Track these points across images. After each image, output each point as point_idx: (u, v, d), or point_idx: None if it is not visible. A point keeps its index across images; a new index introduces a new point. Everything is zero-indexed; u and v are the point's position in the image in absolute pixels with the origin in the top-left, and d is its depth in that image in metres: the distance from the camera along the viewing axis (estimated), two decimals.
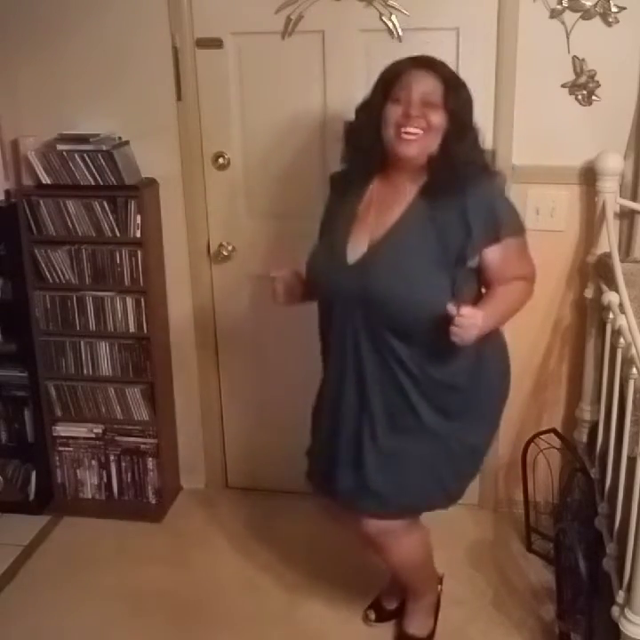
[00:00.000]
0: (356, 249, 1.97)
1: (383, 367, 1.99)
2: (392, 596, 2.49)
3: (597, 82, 2.49)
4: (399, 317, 1.92)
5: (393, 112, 1.89)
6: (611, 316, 2.22)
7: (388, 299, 1.91)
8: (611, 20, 2.42)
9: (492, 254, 1.95)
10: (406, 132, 1.89)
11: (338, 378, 2.06)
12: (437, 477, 2.07)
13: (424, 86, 1.88)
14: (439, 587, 2.48)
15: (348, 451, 2.07)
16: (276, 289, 2.11)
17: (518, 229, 2.00)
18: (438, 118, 1.88)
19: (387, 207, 1.97)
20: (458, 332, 1.81)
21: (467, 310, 1.81)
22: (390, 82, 1.91)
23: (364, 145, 1.96)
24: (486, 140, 1.97)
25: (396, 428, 2.02)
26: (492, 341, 2.05)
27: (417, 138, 1.89)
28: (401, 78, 1.90)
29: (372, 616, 2.50)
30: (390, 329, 1.94)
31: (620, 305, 2.14)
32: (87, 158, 2.70)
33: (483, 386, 2.06)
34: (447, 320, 1.82)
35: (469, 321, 1.81)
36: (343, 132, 2.04)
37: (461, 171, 1.90)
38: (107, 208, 2.76)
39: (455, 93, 1.90)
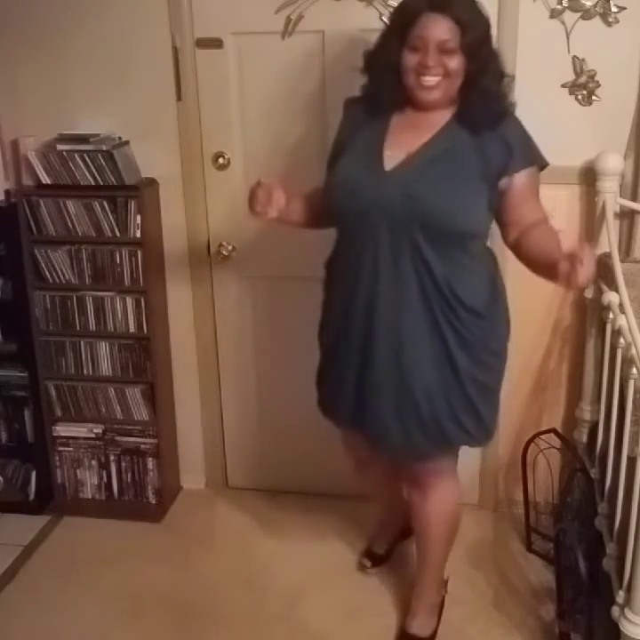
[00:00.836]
0: (392, 159, 1.97)
1: (417, 287, 1.96)
2: (382, 540, 2.60)
3: (597, 82, 2.49)
4: (438, 224, 1.92)
5: (411, 60, 1.91)
6: (611, 316, 2.22)
7: (428, 204, 1.91)
8: (611, 20, 2.42)
9: (521, 180, 1.99)
10: (425, 80, 1.91)
11: (368, 297, 2.01)
12: (453, 412, 2.07)
13: (439, 33, 1.87)
14: (445, 589, 2.47)
15: (383, 380, 2.05)
16: (256, 194, 2.04)
17: (544, 161, 2.06)
18: (456, 63, 1.90)
19: (419, 128, 1.99)
20: (584, 271, 1.70)
21: (588, 248, 1.74)
22: (406, 25, 1.90)
23: (386, 85, 1.98)
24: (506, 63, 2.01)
25: (431, 367, 2.02)
26: (499, 275, 2.13)
27: (437, 83, 1.91)
28: (416, 23, 1.88)
29: (368, 563, 2.64)
30: (426, 239, 1.93)
31: (620, 305, 2.14)
32: (87, 158, 2.70)
33: (496, 319, 2.09)
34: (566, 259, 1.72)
35: (592, 259, 1.75)
36: (363, 64, 2.04)
37: (492, 102, 1.95)
38: (107, 208, 2.76)
39: (472, 32, 1.89)
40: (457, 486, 2.31)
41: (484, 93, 1.94)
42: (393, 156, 1.97)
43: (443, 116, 1.99)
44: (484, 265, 2.07)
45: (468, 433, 2.12)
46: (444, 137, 1.98)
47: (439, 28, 1.87)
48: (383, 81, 1.98)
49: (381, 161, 1.97)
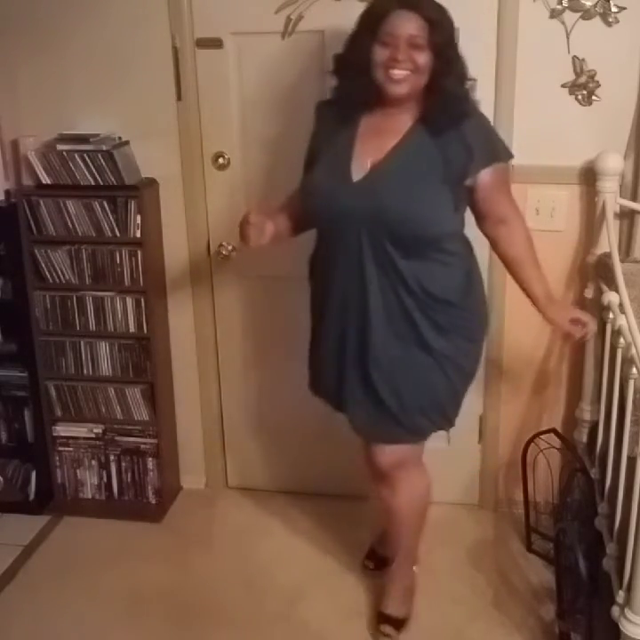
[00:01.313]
0: (359, 169, 2.04)
1: (386, 285, 2.07)
2: (385, 541, 2.58)
3: (597, 82, 2.49)
4: (405, 231, 2.02)
5: (380, 55, 1.96)
6: (611, 316, 2.22)
7: (396, 213, 2.00)
8: (611, 19, 2.42)
9: (486, 177, 2.06)
10: (394, 74, 1.96)
11: (341, 296, 2.13)
12: (435, 395, 2.19)
13: (409, 29, 1.94)
14: (415, 568, 2.51)
15: (353, 369, 2.16)
16: (247, 232, 2.14)
17: (508, 155, 2.15)
18: (424, 58, 1.96)
19: (385, 133, 2.05)
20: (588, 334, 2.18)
21: (586, 317, 2.17)
22: (376, 22, 1.96)
23: (356, 81, 2.03)
24: (469, 68, 2.06)
25: (399, 345, 2.12)
26: (476, 268, 2.24)
27: (405, 77, 1.97)
28: (387, 20, 1.95)
29: (371, 565, 2.67)
30: (394, 244, 2.02)
31: (620, 305, 2.14)
32: (87, 158, 2.70)
33: (472, 309, 2.21)
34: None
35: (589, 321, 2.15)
36: (333, 66, 2.09)
37: (454, 103, 2.01)
38: (107, 208, 2.76)
39: (440, 30, 1.95)
40: (424, 474, 2.39)
41: (445, 94, 2.00)
42: (361, 165, 2.04)
43: (407, 120, 2.05)
44: (458, 259, 2.15)
45: (438, 413, 2.23)
46: (409, 143, 2.04)
47: (409, 24, 1.94)
48: (354, 79, 2.03)
49: (349, 171, 2.04)
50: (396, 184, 2.01)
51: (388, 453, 2.26)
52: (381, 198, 2.00)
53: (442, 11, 1.99)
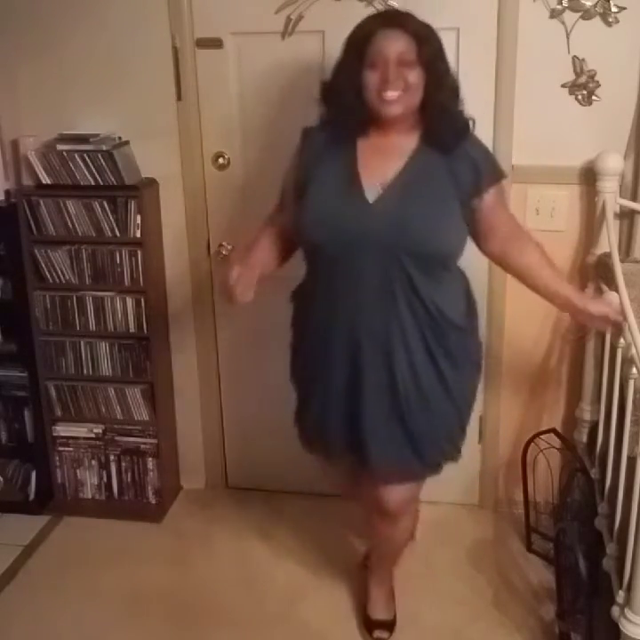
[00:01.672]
0: (371, 190, 1.95)
1: (406, 311, 1.97)
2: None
3: (597, 82, 2.49)
4: (427, 251, 1.95)
5: (371, 78, 1.91)
6: None
7: (419, 233, 1.93)
8: (611, 19, 2.42)
9: (491, 196, 2.03)
10: (387, 95, 1.91)
11: (350, 329, 2.00)
12: (449, 425, 2.14)
13: (397, 47, 1.89)
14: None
15: (376, 406, 2.04)
16: (233, 293, 2.00)
17: (505, 175, 2.12)
18: (416, 75, 1.91)
19: (386, 154, 1.99)
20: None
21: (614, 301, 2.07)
22: (363, 44, 1.92)
23: (348, 107, 1.96)
24: (461, 82, 2.02)
25: (419, 375, 2.04)
26: (470, 287, 2.18)
27: (398, 98, 1.91)
28: (373, 41, 1.90)
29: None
30: (416, 265, 1.94)
31: (620, 305, 2.13)
32: (87, 158, 2.70)
33: (473, 331, 2.17)
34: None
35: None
36: (320, 94, 2.03)
37: (455, 119, 1.98)
38: (107, 208, 2.76)
39: (428, 45, 1.92)
40: (417, 504, 2.43)
41: (442, 110, 1.96)
42: (371, 187, 1.96)
43: (409, 141, 2.00)
44: (459, 280, 2.13)
45: (451, 443, 2.17)
46: (418, 162, 1.98)
47: (397, 43, 1.89)
48: (345, 104, 1.96)
49: (361, 191, 1.96)
50: (415, 203, 1.95)
51: (402, 492, 2.17)
52: (404, 218, 1.92)
53: (427, 26, 1.94)
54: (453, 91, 1.99)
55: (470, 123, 2.02)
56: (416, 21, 1.93)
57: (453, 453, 2.19)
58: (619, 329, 2.06)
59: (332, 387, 2.09)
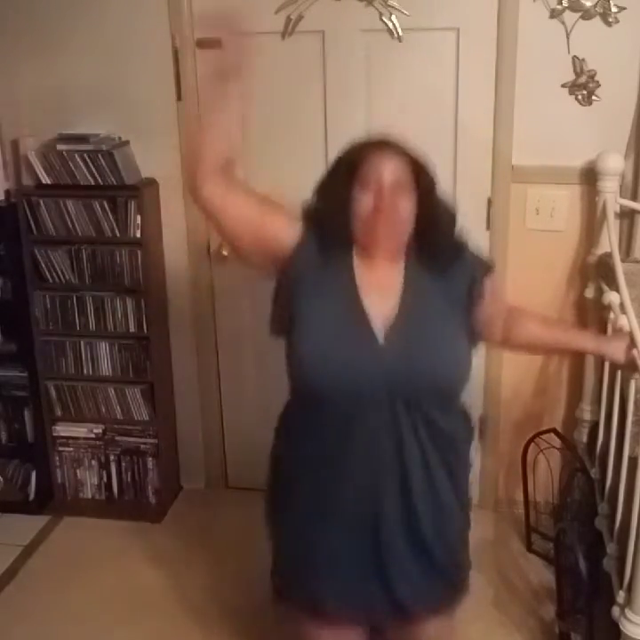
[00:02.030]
0: (377, 328, 1.73)
1: (425, 449, 1.77)
2: None
3: (597, 82, 2.49)
4: (445, 386, 1.78)
5: (363, 204, 1.69)
6: (611, 315, 2.22)
7: (436, 373, 1.75)
8: (611, 20, 2.43)
9: (488, 293, 1.85)
10: (379, 234, 1.71)
11: (360, 476, 1.76)
12: (462, 541, 1.93)
13: (393, 171, 1.70)
14: None
15: (396, 539, 1.80)
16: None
17: (493, 266, 1.93)
18: (410, 204, 1.72)
19: (384, 280, 1.77)
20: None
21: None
22: (356, 166, 1.71)
23: (336, 232, 1.74)
24: (453, 200, 1.86)
25: (436, 493, 1.82)
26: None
27: (391, 231, 1.72)
28: (367, 163, 1.70)
29: None
30: (432, 401, 1.76)
31: (621, 305, 2.13)
32: (87, 158, 2.70)
33: (469, 438, 1.96)
34: None
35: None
36: (303, 216, 1.79)
37: (448, 247, 1.80)
38: (107, 208, 2.76)
39: (424, 171, 1.75)
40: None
41: (437, 241, 1.77)
42: (376, 322, 1.72)
43: (400, 262, 1.79)
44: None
45: (466, 557, 1.93)
46: (415, 289, 1.77)
47: (393, 167, 1.70)
48: (334, 226, 1.73)
49: (372, 332, 1.71)
50: (428, 340, 1.75)
51: (441, 627, 1.89)
52: (416, 358, 1.72)
53: (423, 155, 1.76)
54: (449, 222, 1.80)
55: (464, 243, 1.83)
56: (411, 149, 1.75)
57: (468, 567, 1.94)
58: (634, 366, 1.94)
59: (338, 536, 1.80)
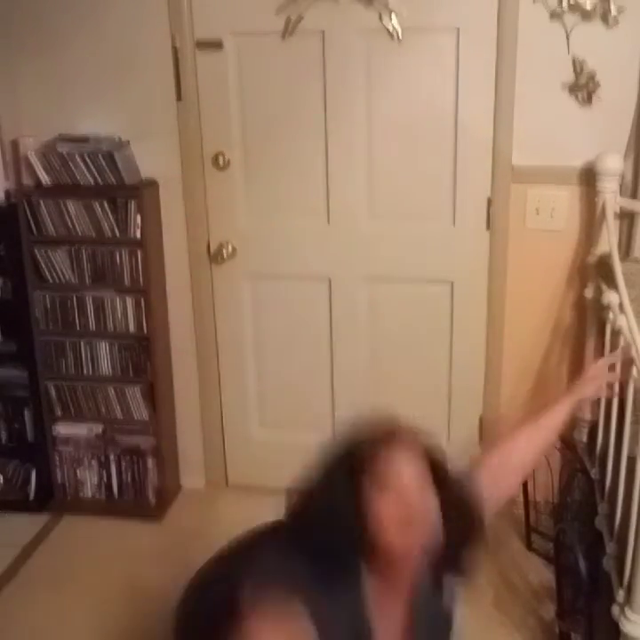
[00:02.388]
0: None
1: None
2: None
3: (597, 82, 2.49)
4: None
5: (386, 507, 1.42)
6: (611, 316, 2.22)
7: None
8: (610, 20, 2.42)
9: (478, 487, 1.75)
10: (413, 548, 1.46)
11: None
12: None
13: (415, 467, 1.46)
14: None
15: None
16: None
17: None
18: (434, 503, 1.47)
19: (392, 605, 1.55)
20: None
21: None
22: (367, 461, 1.44)
23: (341, 540, 1.45)
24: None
25: None
26: None
27: (419, 536, 1.45)
28: (381, 459, 1.44)
29: None
30: None
31: (620, 305, 2.14)
32: (87, 158, 2.70)
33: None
34: None
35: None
36: (291, 518, 1.66)
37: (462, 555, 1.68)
38: (107, 208, 2.76)
39: (441, 465, 1.53)
40: None
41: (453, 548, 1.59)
42: None
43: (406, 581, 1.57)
44: None
45: None
46: (423, 615, 1.59)
47: (413, 463, 1.45)
48: (334, 534, 1.45)
49: None
50: None
51: None
52: None
53: (434, 441, 1.54)
54: (468, 511, 1.64)
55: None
56: (423, 438, 1.52)
57: None
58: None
59: None
